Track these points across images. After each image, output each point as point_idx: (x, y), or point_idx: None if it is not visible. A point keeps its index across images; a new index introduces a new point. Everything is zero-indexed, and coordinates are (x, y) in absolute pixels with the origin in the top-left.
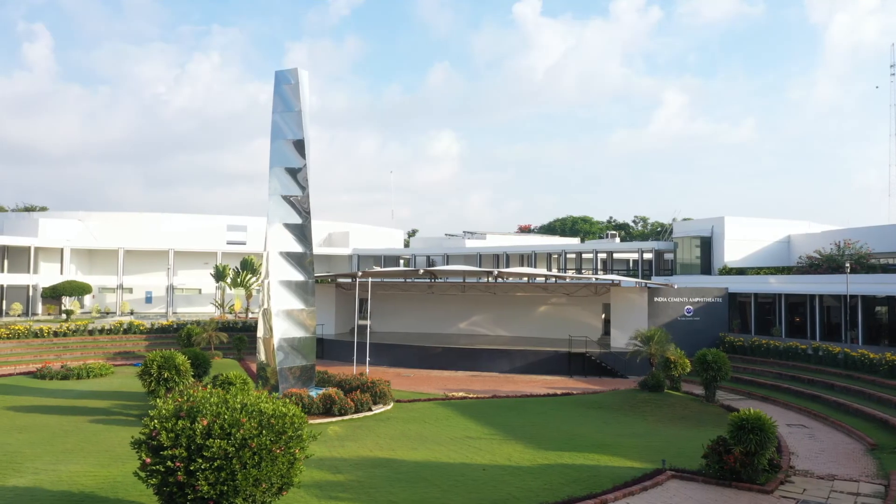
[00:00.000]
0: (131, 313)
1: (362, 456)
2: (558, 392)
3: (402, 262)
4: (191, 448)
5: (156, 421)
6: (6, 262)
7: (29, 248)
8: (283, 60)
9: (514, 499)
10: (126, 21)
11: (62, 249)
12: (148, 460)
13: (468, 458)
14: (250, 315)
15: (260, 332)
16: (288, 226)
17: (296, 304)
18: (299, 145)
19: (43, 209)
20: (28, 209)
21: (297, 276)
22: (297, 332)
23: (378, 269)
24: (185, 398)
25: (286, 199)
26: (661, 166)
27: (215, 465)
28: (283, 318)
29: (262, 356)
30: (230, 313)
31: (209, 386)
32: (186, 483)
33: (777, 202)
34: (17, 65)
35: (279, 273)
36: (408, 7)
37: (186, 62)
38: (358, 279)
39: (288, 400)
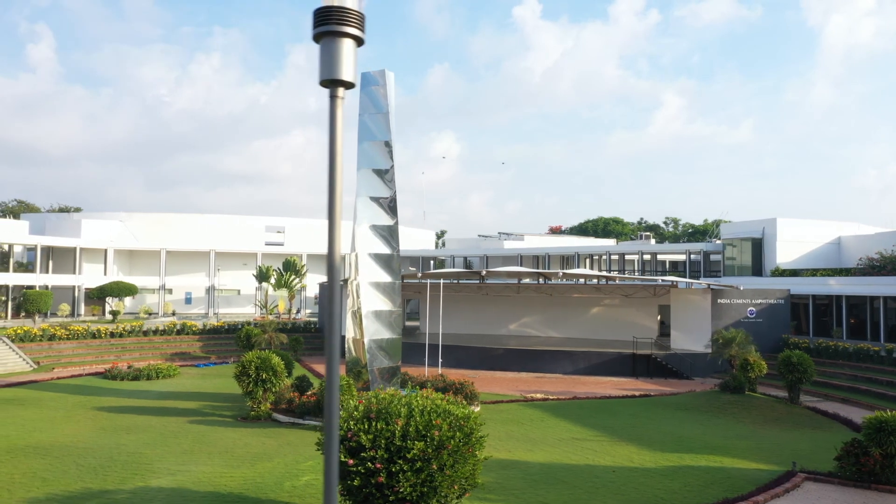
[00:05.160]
0: (173, 314)
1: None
2: (636, 394)
3: (432, 262)
4: (390, 449)
5: (351, 422)
6: (51, 262)
7: (73, 248)
8: (283, 62)
9: (663, 501)
10: (128, 22)
11: (106, 250)
12: (350, 462)
13: (589, 460)
14: (293, 316)
15: (349, 333)
16: (375, 227)
17: (384, 305)
18: (387, 146)
19: (77, 210)
20: (62, 210)
21: (386, 278)
22: (386, 334)
23: (413, 269)
24: (372, 399)
25: (374, 200)
26: (661, 167)
27: (416, 466)
28: (373, 319)
29: (352, 356)
30: (272, 314)
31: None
32: (386, 485)
33: (777, 203)
34: (21, 66)
35: (368, 274)
36: (406, 10)
37: (187, 63)
38: (428, 281)
39: (465, 402)
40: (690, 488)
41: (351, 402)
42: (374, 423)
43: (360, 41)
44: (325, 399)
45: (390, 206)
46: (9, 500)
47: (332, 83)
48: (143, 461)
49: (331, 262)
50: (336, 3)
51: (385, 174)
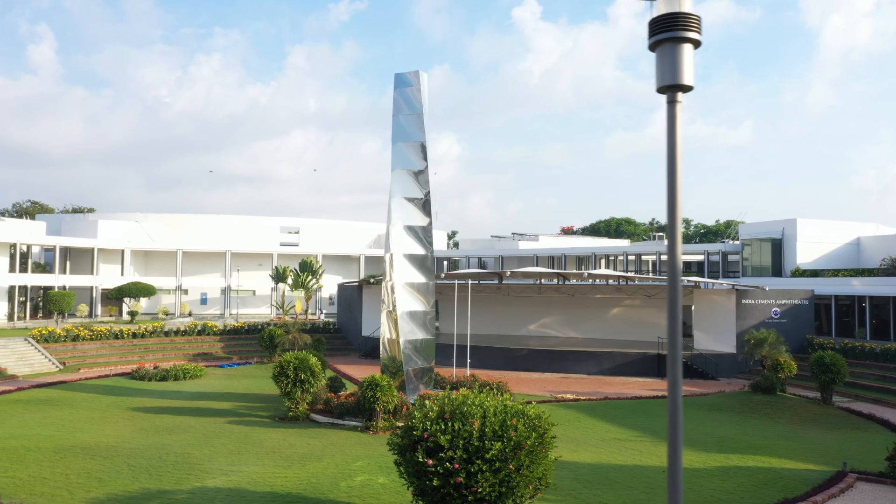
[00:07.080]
0: (189, 314)
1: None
2: (666, 394)
3: (446, 263)
4: (468, 450)
5: (428, 422)
6: (68, 263)
7: (91, 249)
8: (283, 63)
9: (720, 501)
10: (128, 23)
11: (122, 251)
12: (430, 462)
13: (637, 460)
14: (317, 316)
15: (385, 334)
16: (409, 228)
17: (419, 305)
18: (421, 147)
19: (90, 210)
20: (76, 210)
21: (420, 279)
22: (420, 334)
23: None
24: (445, 400)
25: (409, 200)
26: (662, 167)
27: (495, 466)
28: (408, 319)
29: (388, 355)
30: (288, 315)
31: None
32: (465, 485)
33: (778, 203)
34: (22, 67)
35: (403, 275)
36: (406, 12)
37: (188, 64)
38: (456, 281)
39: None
40: (745, 489)
41: (427, 402)
42: (450, 424)
43: (697, 44)
44: (669, 410)
45: (424, 207)
46: (70, 500)
47: (670, 88)
48: (193, 461)
49: (672, 264)
50: (676, 10)
51: (419, 175)
